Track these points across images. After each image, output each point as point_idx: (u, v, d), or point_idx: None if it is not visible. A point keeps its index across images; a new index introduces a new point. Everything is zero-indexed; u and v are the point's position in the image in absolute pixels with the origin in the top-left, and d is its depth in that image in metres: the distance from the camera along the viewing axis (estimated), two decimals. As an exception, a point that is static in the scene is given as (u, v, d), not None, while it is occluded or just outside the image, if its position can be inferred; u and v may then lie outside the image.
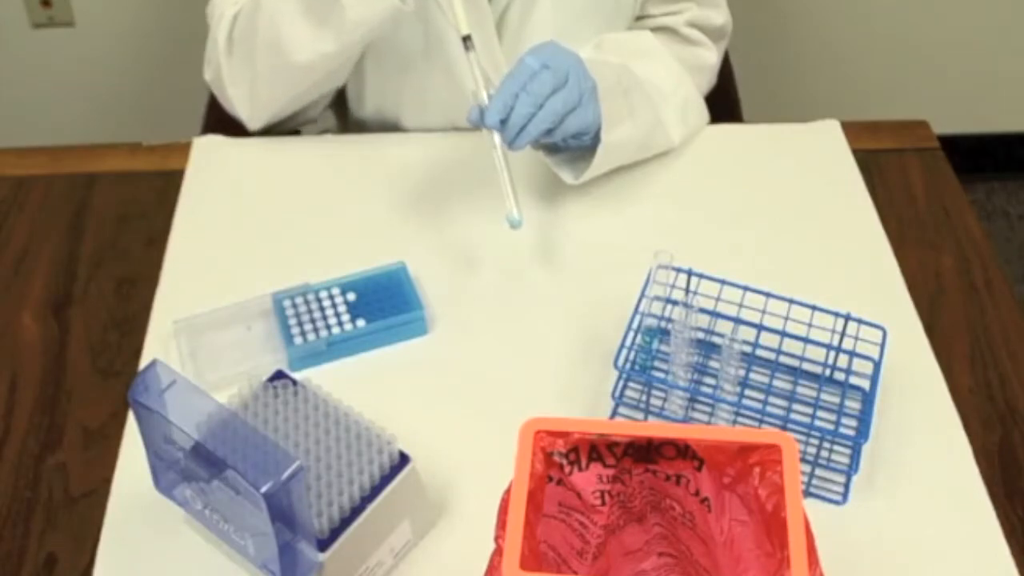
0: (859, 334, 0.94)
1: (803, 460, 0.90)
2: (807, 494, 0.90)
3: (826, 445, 0.92)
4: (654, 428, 0.78)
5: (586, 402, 0.96)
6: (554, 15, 1.17)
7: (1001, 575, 0.86)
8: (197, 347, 0.99)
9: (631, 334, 0.93)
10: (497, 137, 1.00)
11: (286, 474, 0.71)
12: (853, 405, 0.96)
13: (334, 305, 1.02)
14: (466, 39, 1.03)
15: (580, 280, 1.07)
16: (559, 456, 0.71)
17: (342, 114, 1.36)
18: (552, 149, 1.12)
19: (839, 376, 0.96)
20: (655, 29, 1.25)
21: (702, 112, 1.25)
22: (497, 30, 1.17)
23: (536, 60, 1.00)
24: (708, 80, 1.29)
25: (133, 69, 2.10)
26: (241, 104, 1.18)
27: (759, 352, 0.98)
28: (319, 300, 1.02)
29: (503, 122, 0.98)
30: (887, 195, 1.19)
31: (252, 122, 1.20)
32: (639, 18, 1.26)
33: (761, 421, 0.92)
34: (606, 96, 1.06)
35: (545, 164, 1.15)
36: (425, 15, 1.16)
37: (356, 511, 0.79)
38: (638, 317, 0.95)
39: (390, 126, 1.27)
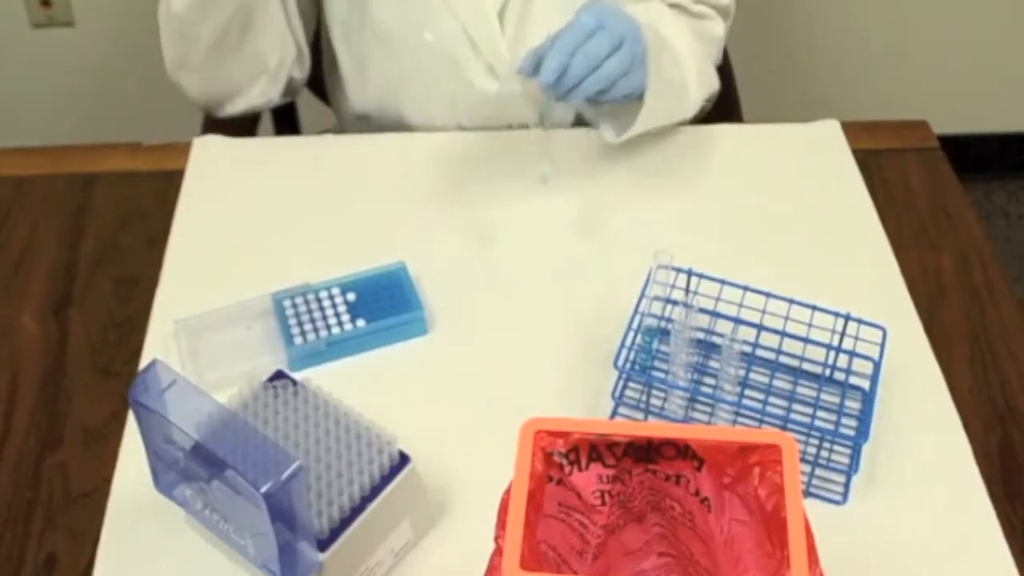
0: (859, 334, 0.94)
1: (803, 460, 0.90)
2: (807, 494, 0.90)
3: (826, 445, 0.92)
4: (654, 428, 0.78)
5: (586, 402, 0.96)
6: (555, 2, 1.17)
7: (1001, 575, 0.86)
8: (197, 347, 0.99)
9: (631, 334, 0.93)
10: (541, 91, 0.99)
11: (286, 474, 0.71)
12: (853, 405, 0.96)
13: (334, 305, 1.02)
14: None
15: (580, 280, 1.07)
16: (559, 456, 0.71)
17: (342, 109, 1.36)
18: (593, 102, 1.11)
19: (839, 376, 0.96)
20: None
21: (714, 78, 1.25)
22: (499, 20, 1.17)
23: (592, 18, 0.99)
24: (717, 52, 1.29)
25: (133, 69, 2.10)
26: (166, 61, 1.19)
27: (759, 352, 0.98)
28: (319, 300, 1.02)
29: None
30: (887, 195, 1.19)
31: (176, 80, 1.20)
32: None
33: (761, 421, 0.92)
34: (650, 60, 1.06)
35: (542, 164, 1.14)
36: (427, 7, 1.16)
37: (356, 511, 0.79)
38: (638, 317, 0.95)
39: (392, 121, 1.26)
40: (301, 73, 1.26)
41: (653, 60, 1.07)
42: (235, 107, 1.23)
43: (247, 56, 1.19)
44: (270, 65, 1.21)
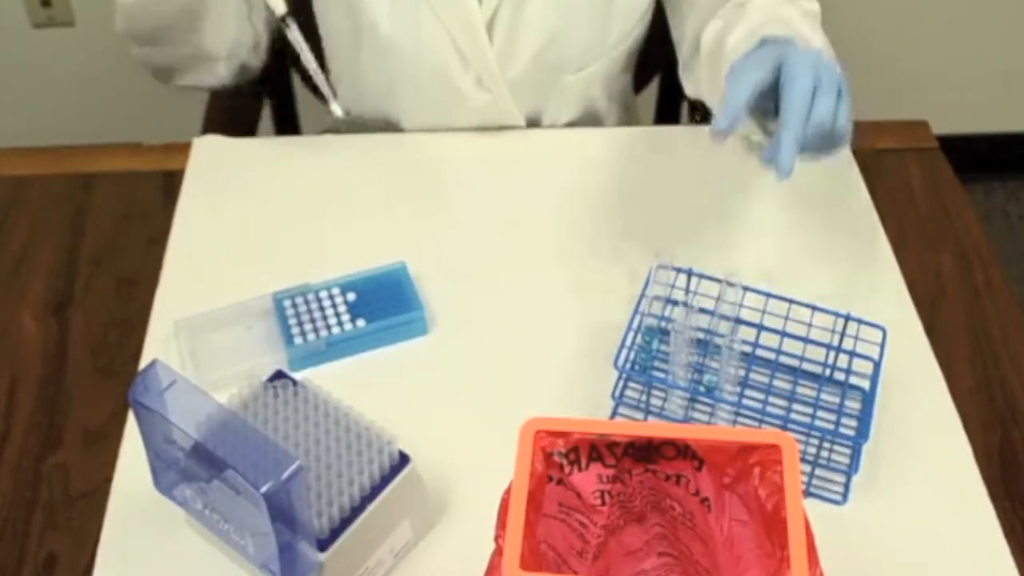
0: (859, 334, 0.94)
1: (803, 460, 0.90)
2: (807, 494, 0.90)
3: (826, 445, 0.92)
4: (654, 428, 0.78)
5: (586, 402, 0.96)
6: (544, 11, 1.16)
7: (1001, 575, 0.86)
8: (197, 347, 0.99)
9: (631, 334, 0.93)
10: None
11: (286, 474, 0.71)
12: (853, 405, 0.96)
13: (334, 305, 1.02)
14: (283, 18, 1.08)
15: (580, 280, 1.07)
16: (559, 456, 0.71)
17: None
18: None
19: (839, 376, 0.96)
20: None
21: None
22: (488, 31, 1.16)
23: (810, 79, 0.90)
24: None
25: (133, 69, 2.08)
26: None
27: (759, 352, 0.98)
28: (319, 300, 1.02)
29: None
30: (887, 195, 1.19)
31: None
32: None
33: (761, 421, 0.92)
34: None
35: (542, 166, 1.14)
36: (416, 19, 1.15)
37: (356, 511, 0.79)
38: (638, 317, 0.95)
39: (391, 127, 1.26)
40: (257, 62, 1.27)
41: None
42: (183, 82, 1.26)
43: (193, 46, 1.20)
44: (219, 54, 1.22)
